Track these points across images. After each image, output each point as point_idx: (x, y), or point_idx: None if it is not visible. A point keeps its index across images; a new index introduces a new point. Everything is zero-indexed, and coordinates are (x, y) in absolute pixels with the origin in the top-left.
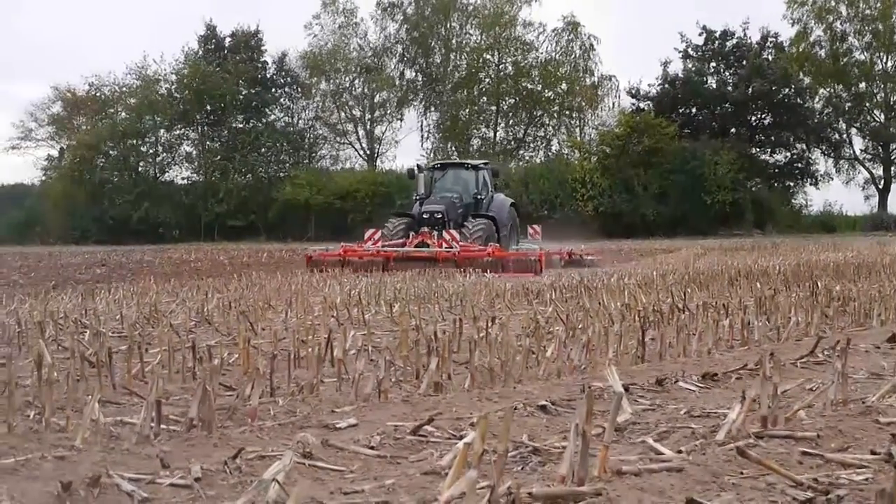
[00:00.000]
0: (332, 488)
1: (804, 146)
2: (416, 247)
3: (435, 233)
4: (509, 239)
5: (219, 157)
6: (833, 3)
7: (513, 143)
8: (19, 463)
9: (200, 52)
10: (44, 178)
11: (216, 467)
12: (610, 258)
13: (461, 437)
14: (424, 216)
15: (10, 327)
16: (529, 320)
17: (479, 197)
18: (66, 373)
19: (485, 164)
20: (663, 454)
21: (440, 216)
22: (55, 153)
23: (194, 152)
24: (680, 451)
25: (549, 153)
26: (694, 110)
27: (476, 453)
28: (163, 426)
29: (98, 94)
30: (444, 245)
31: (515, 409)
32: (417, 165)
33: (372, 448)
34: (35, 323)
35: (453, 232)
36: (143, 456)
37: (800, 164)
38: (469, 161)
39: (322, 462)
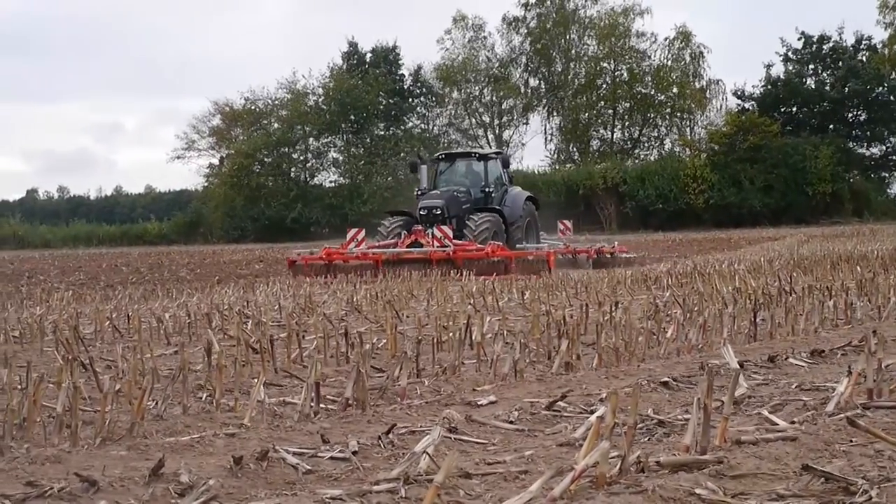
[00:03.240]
0: (477, 459)
1: None
2: (408, 247)
3: (430, 231)
4: (526, 236)
5: (363, 161)
6: None
7: (629, 143)
8: (194, 440)
9: (344, 67)
10: (206, 183)
11: (371, 442)
12: (659, 253)
13: (592, 412)
14: (422, 212)
15: (181, 318)
16: (649, 304)
17: (487, 190)
18: (233, 359)
19: (496, 153)
20: (778, 425)
21: (439, 212)
22: (216, 161)
23: (340, 158)
24: (793, 422)
25: (662, 151)
26: (795, 109)
27: (608, 426)
28: (321, 405)
29: (253, 108)
30: (437, 244)
31: (640, 385)
32: (419, 157)
33: (511, 422)
34: (203, 314)
35: (445, 228)
36: (305, 432)
37: (894, 157)
38: (477, 150)
39: (466, 436)
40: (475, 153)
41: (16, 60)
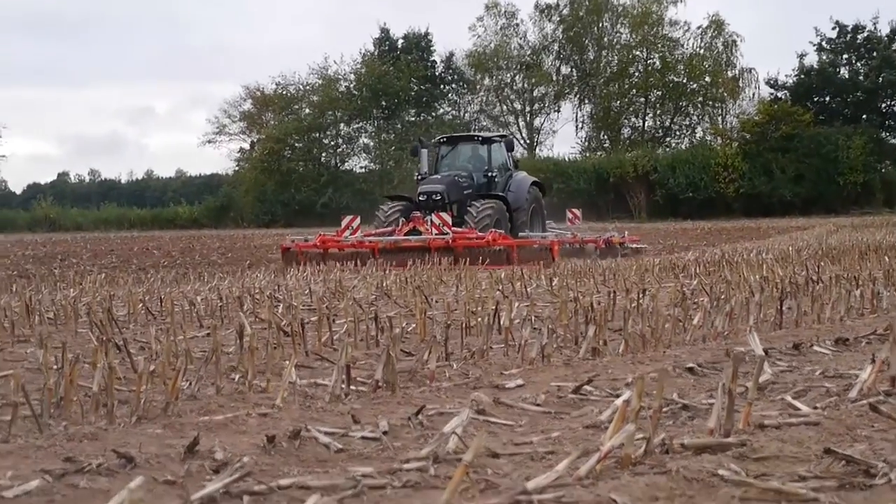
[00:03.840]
0: (505, 440)
1: None
2: (406, 234)
3: (429, 218)
4: (531, 224)
5: (393, 147)
6: None
7: (660, 131)
8: (228, 419)
9: (376, 53)
10: (237, 168)
11: (401, 422)
12: (688, 241)
13: (618, 396)
14: (421, 198)
15: (213, 302)
16: (676, 292)
17: (490, 175)
18: (265, 341)
19: (500, 136)
20: (801, 410)
21: (438, 198)
22: (247, 146)
23: (371, 143)
24: (816, 408)
25: (694, 140)
26: (827, 98)
27: (633, 409)
28: (352, 387)
29: (284, 93)
30: (435, 231)
31: (666, 370)
32: (420, 140)
33: (538, 405)
34: (234, 298)
35: (443, 215)
36: (336, 413)
37: None
38: (480, 133)
39: (494, 418)
40: (478, 136)
41: (48, 44)
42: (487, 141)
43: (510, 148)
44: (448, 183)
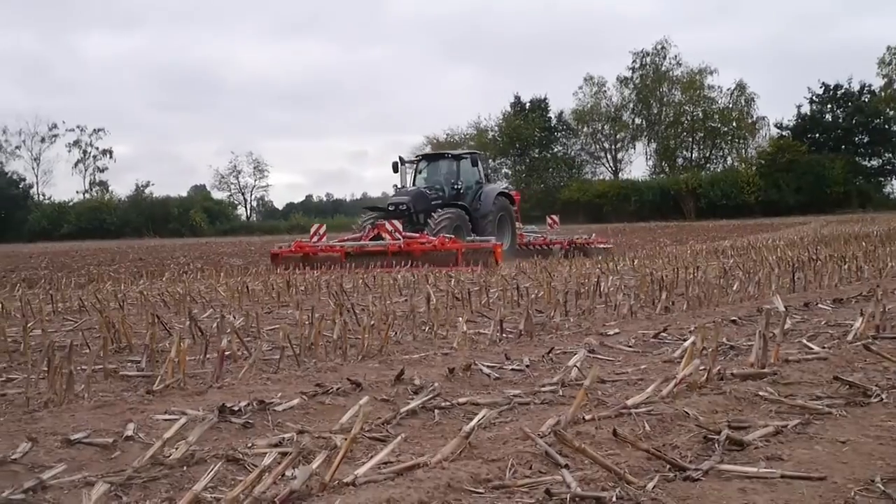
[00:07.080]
0: (609, 371)
1: (891, 155)
2: (370, 240)
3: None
4: (499, 230)
5: (524, 174)
6: None
7: (703, 160)
8: (422, 357)
9: (511, 112)
10: None
11: (537, 359)
12: (724, 234)
13: (685, 340)
14: (390, 208)
15: (409, 278)
16: (720, 268)
17: (457, 187)
18: (444, 304)
19: (469, 153)
20: (813, 349)
21: (404, 207)
22: None
23: (510, 172)
24: (824, 347)
25: (725, 165)
26: (818, 135)
27: (698, 349)
28: (503, 335)
29: (451, 139)
30: (389, 237)
31: (718, 322)
32: (399, 158)
33: (630, 346)
34: (422, 275)
35: (396, 222)
36: (494, 353)
37: (888, 167)
38: (450, 151)
39: (601, 356)
40: (449, 154)
41: (299, 111)
42: (457, 158)
43: (474, 163)
44: (415, 195)
